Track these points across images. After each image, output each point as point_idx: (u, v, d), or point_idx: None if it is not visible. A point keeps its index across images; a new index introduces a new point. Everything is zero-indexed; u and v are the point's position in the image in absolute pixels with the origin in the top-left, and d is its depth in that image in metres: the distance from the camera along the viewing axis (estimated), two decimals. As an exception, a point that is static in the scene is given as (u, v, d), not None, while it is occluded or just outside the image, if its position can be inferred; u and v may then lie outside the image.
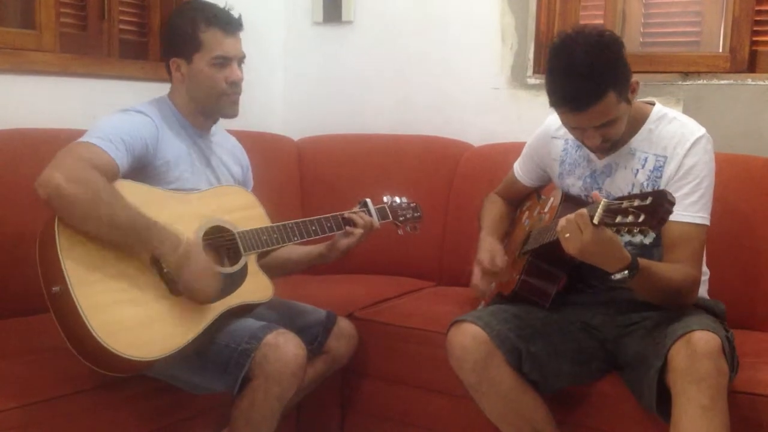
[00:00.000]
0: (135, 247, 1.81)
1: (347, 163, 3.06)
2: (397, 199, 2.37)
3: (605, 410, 2.01)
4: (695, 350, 1.71)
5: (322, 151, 3.16)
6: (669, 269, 1.85)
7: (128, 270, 1.81)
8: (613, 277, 1.73)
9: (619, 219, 1.57)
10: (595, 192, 1.70)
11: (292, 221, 2.12)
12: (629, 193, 1.97)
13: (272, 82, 3.46)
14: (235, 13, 2.08)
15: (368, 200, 2.28)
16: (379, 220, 2.26)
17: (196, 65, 2.03)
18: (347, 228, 2.18)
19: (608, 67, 1.81)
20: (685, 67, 2.71)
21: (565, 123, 1.92)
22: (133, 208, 1.79)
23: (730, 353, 1.79)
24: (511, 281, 2.09)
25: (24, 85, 2.51)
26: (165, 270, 1.84)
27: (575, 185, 2.10)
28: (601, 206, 1.60)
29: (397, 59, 3.25)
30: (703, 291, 2.06)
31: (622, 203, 1.58)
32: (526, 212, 2.28)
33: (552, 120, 2.17)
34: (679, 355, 1.73)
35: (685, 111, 2.59)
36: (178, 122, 2.07)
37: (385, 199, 2.35)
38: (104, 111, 2.64)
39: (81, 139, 1.85)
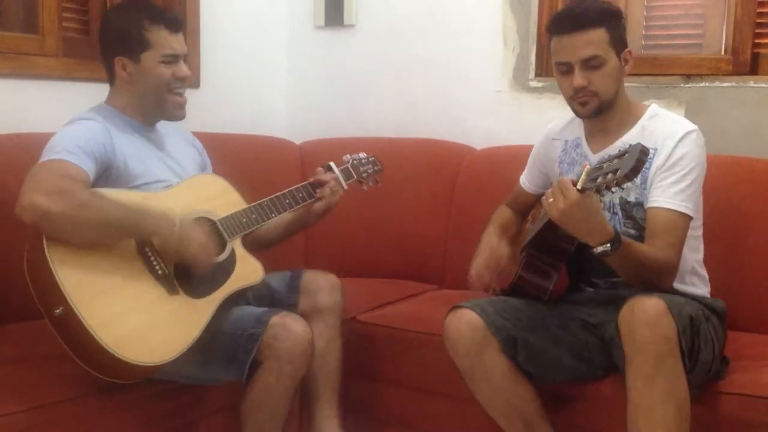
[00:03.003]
0: (131, 237, 1.84)
1: (350, 167, 3.06)
2: (357, 156, 2.39)
3: (605, 412, 2.00)
4: (634, 317, 1.73)
5: (325, 154, 3.12)
6: (650, 249, 1.88)
7: (124, 278, 1.82)
8: (595, 250, 1.77)
9: (600, 179, 1.63)
10: (586, 162, 1.75)
11: (266, 199, 2.15)
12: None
13: (275, 86, 3.46)
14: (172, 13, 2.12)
15: (332, 163, 2.31)
16: (345, 181, 2.29)
17: (145, 63, 2.04)
18: (318, 192, 2.22)
19: (608, 10, 2.00)
20: (687, 70, 2.71)
21: (556, 56, 2.00)
22: (120, 203, 1.81)
23: (691, 334, 1.76)
24: (509, 276, 2.10)
25: (26, 90, 2.52)
26: (157, 268, 1.86)
27: None
28: (584, 172, 1.67)
29: (399, 62, 3.26)
30: (704, 290, 2.07)
31: (602, 166, 1.65)
32: (530, 219, 2.30)
33: (553, 125, 2.25)
34: (623, 323, 1.76)
35: (688, 113, 2.59)
36: (122, 122, 2.07)
37: (345, 158, 2.37)
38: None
39: (42, 159, 1.85)
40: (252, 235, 2.15)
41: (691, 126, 1.99)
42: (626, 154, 1.61)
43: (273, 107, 3.44)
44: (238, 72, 3.23)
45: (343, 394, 2.20)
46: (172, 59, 2.05)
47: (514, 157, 2.39)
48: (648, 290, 1.84)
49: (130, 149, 2.01)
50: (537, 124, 2.29)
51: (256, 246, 2.16)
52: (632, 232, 2.01)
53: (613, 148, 2.01)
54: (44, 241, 1.74)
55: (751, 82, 2.61)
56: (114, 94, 2.11)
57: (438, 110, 3.18)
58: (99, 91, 2.67)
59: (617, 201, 2.02)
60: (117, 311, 1.77)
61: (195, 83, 2.99)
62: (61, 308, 1.71)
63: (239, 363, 1.91)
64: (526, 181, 2.34)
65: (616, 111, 2.04)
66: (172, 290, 1.87)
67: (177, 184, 2.07)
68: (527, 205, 2.35)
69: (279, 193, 2.18)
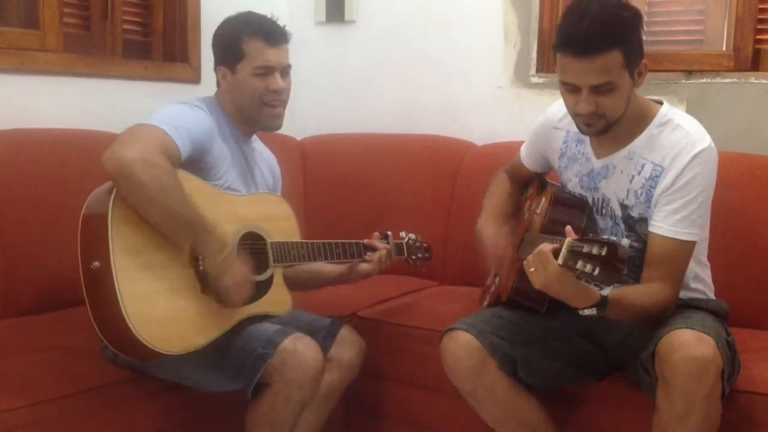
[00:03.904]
0: (182, 241, 1.85)
1: (351, 163, 3.07)
2: (413, 236, 2.43)
3: (607, 410, 2.01)
4: (677, 367, 1.68)
5: (326, 150, 3.16)
6: (642, 295, 1.83)
7: (168, 261, 1.83)
8: (580, 312, 1.72)
9: (579, 264, 1.55)
10: (569, 228, 1.66)
11: (320, 241, 2.17)
12: (622, 201, 1.96)
13: (275, 82, 3.45)
14: (280, 24, 2.13)
15: (389, 233, 2.34)
16: (395, 255, 2.32)
17: (240, 74, 2.07)
18: (367, 255, 2.24)
19: (623, 25, 1.77)
20: (688, 66, 2.71)
21: (563, 75, 1.83)
22: (191, 205, 1.81)
23: (731, 357, 1.77)
24: (506, 287, 2.08)
25: (27, 85, 2.51)
26: (201, 268, 1.86)
27: (572, 181, 2.08)
28: (565, 246, 1.58)
29: (400, 58, 3.25)
30: (707, 290, 2.05)
31: (583, 247, 1.55)
32: (528, 202, 2.25)
33: (555, 109, 2.12)
34: (664, 363, 1.71)
35: (689, 110, 2.59)
36: (226, 125, 2.10)
37: (402, 234, 2.40)
38: (108, 111, 2.67)
39: (147, 122, 1.85)
40: (291, 270, 2.16)
41: (703, 142, 1.85)
42: (605, 249, 1.50)
43: (274, 103, 3.43)
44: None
45: (344, 391, 2.20)
46: (265, 71, 2.07)
47: (515, 153, 2.38)
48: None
49: (222, 152, 2.03)
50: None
51: (290, 283, 2.13)
52: (636, 245, 1.95)
53: (617, 158, 1.94)
54: (113, 195, 1.75)
55: (753, 79, 2.60)
56: (222, 96, 2.13)
57: (439, 106, 3.18)
58: (99, 87, 2.70)
59: (619, 213, 1.97)
60: (150, 288, 1.78)
61: (196, 80, 3.00)
62: (98, 263, 1.73)
63: (246, 378, 1.91)
64: (526, 158, 2.26)
65: (624, 121, 1.88)
66: (205, 289, 1.88)
67: (247, 194, 2.09)
68: (525, 178, 2.30)
69: (332, 241, 2.19)
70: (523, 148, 2.29)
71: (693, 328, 1.72)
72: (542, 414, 1.96)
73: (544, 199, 2.12)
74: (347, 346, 2.16)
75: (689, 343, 1.69)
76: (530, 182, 2.29)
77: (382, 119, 3.24)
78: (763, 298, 2.31)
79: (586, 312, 1.71)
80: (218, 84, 2.15)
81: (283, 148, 3.11)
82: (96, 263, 1.73)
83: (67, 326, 2.11)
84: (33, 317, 2.19)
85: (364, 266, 2.24)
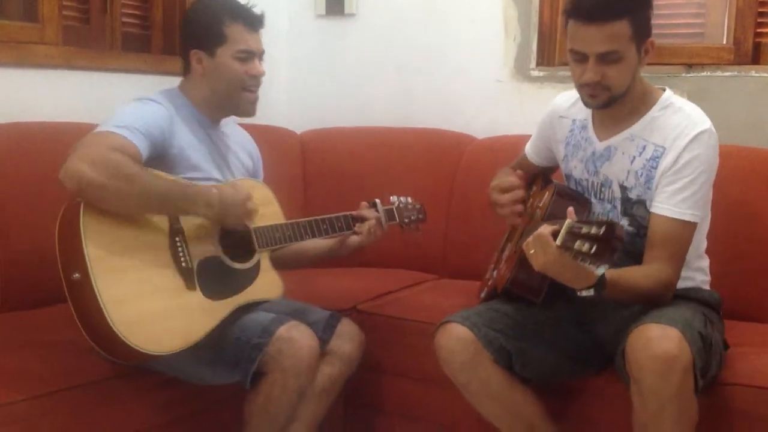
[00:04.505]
0: (173, 213, 1.87)
1: (351, 156, 3.06)
2: (403, 200, 2.38)
3: (603, 404, 2.02)
4: (642, 365, 1.69)
5: (326, 144, 3.16)
6: (640, 277, 1.83)
7: (147, 262, 1.83)
8: (579, 293, 1.73)
9: (577, 244, 1.56)
10: (570, 209, 1.68)
11: (305, 219, 2.14)
12: (622, 183, 1.97)
13: (275, 75, 3.44)
14: (257, 11, 2.10)
15: (378, 201, 2.29)
16: (386, 221, 2.27)
17: (220, 58, 2.05)
18: (357, 226, 2.20)
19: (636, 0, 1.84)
20: (688, 59, 2.71)
21: (572, 43, 1.87)
22: (164, 177, 1.83)
23: (705, 349, 1.75)
24: (503, 278, 2.07)
25: (27, 79, 2.51)
26: (184, 264, 1.86)
27: (577, 168, 2.10)
28: (564, 227, 1.59)
29: (400, 52, 3.25)
30: (703, 281, 2.05)
31: (582, 228, 1.56)
32: (531, 199, 2.26)
33: (561, 99, 2.16)
34: (632, 361, 1.72)
35: (689, 103, 2.59)
36: (190, 113, 2.07)
37: (392, 199, 2.36)
38: (107, 104, 2.64)
39: (99, 129, 1.85)
40: (280, 252, 2.14)
41: (704, 124, 1.90)
42: (603, 228, 1.51)
43: (273, 96, 3.42)
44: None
45: (343, 384, 2.21)
46: (247, 56, 2.06)
47: (516, 147, 2.38)
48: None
49: (189, 142, 2.02)
50: (538, 114, 2.27)
51: (281, 264, 2.13)
52: (630, 229, 1.97)
53: (619, 140, 1.98)
54: (81, 207, 1.76)
55: (753, 72, 2.60)
56: (188, 85, 2.11)
57: (439, 100, 3.17)
58: (98, 80, 2.69)
59: (618, 195, 1.99)
60: (131, 292, 1.78)
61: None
62: (79, 274, 1.73)
63: (243, 370, 1.91)
64: (531, 152, 2.29)
65: (627, 100, 1.93)
66: (190, 285, 1.87)
67: (224, 182, 2.07)
68: (531, 174, 2.30)
69: (318, 217, 2.16)
70: (528, 144, 2.31)
71: (659, 323, 1.72)
72: (538, 408, 1.96)
73: (547, 193, 2.13)
74: (347, 338, 2.15)
75: (654, 340, 1.69)
76: (535, 179, 2.30)
77: (382, 113, 3.24)
78: (760, 291, 2.31)
79: (584, 293, 1.72)
80: (186, 70, 2.11)
81: (283, 142, 3.12)
82: (76, 275, 1.73)
83: (65, 321, 2.10)
84: (30, 312, 2.19)
85: (354, 238, 2.20)
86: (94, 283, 1.71)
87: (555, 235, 1.62)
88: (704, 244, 2.06)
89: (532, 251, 1.69)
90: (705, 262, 2.07)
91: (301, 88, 3.47)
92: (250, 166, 2.26)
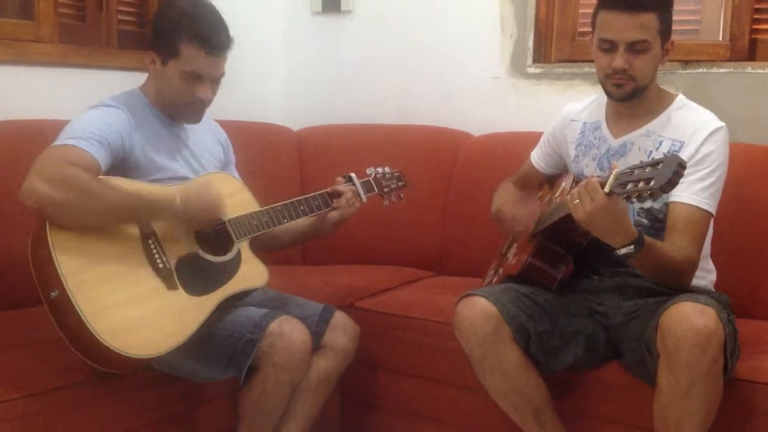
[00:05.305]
0: (136, 222, 1.85)
1: (347, 154, 3.06)
2: (380, 170, 2.36)
3: (607, 398, 2.02)
4: (680, 338, 1.70)
5: (323, 141, 3.16)
6: (671, 248, 1.87)
7: (123, 269, 1.81)
8: (618, 251, 1.75)
9: (630, 186, 1.58)
10: (614, 162, 1.71)
11: (280, 203, 2.12)
12: None
13: (272, 73, 3.45)
14: (226, 33, 2.01)
15: (353, 174, 2.28)
16: (365, 194, 2.26)
17: (169, 71, 1.99)
18: (334, 202, 2.19)
19: None
20: (684, 56, 2.70)
21: (603, 33, 1.94)
22: (122, 189, 1.80)
23: (733, 334, 1.78)
24: (518, 263, 2.08)
25: (22, 76, 2.51)
26: (161, 266, 1.85)
27: (589, 166, 2.12)
28: (612, 175, 1.63)
29: (396, 49, 3.25)
30: (712, 282, 2.07)
31: (633, 171, 1.60)
32: (542, 200, 2.27)
33: (571, 106, 2.24)
34: (667, 335, 1.73)
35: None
36: (150, 112, 2.04)
37: (368, 171, 2.34)
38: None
39: (55, 143, 1.84)
40: (263, 235, 2.13)
41: (719, 122, 1.97)
42: (661, 164, 1.55)
43: (270, 94, 3.43)
44: (235, 58, 3.22)
45: (340, 381, 2.21)
46: (194, 78, 1.98)
47: (512, 144, 2.39)
48: (668, 287, 1.87)
49: (151, 142, 1.99)
50: (535, 111, 2.28)
51: (265, 247, 2.13)
52: (644, 221, 2.00)
53: (635, 136, 2.01)
54: (47, 224, 1.74)
55: (749, 68, 2.60)
56: (146, 84, 2.09)
57: (435, 97, 3.17)
58: (94, 78, 2.69)
59: (646, 206, 2.01)
60: (112, 300, 1.76)
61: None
62: (57, 291, 1.71)
63: (237, 366, 1.91)
64: (538, 160, 2.32)
65: (645, 97, 2.00)
66: (171, 285, 1.86)
67: (192, 180, 2.05)
68: (536, 184, 2.32)
69: (294, 199, 2.14)
70: (533, 153, 2.34)
71: (696, 302, 1.74)
72: (546, 393, 1.96)
73: (564, 183, 2.14)
74: (341, 331, 2.15)
75: (692, 315, 1.71)
76: (541, 186, 2.32)
77: (379, 110, 3.24)
78: (763, 287, 2.31)
79: (623, 251, 1.74)
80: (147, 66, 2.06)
81: (280, 139, 3.12)
82: (54, 293, 1.71)
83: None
84: (27, 310, 2.19)
85: (334, 214, 2.18)
86: (72, 299, 1.69)
87: (602, 184, 1.66)
88: (710, 248, 2.07)
89: (576, 201, 1.70)
90: (711, 265, 2.09)
91: (297, 85, 3.47)
92: (220, 153, 2.23)
